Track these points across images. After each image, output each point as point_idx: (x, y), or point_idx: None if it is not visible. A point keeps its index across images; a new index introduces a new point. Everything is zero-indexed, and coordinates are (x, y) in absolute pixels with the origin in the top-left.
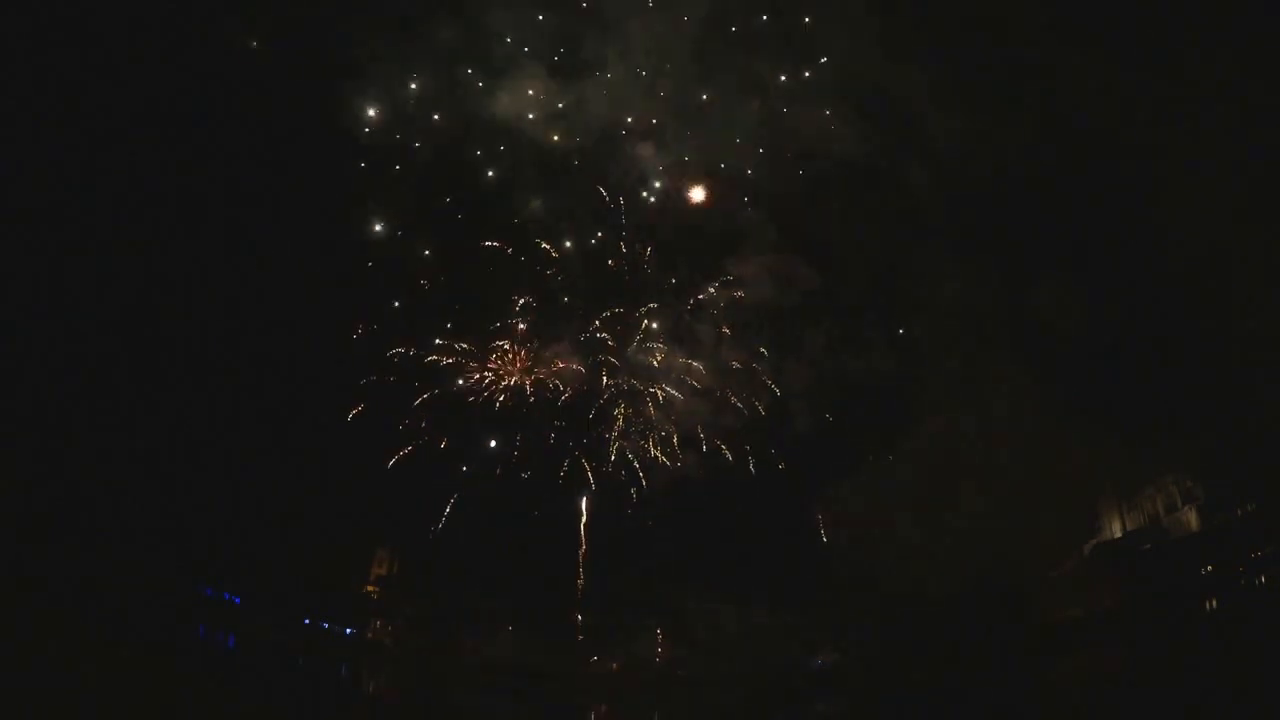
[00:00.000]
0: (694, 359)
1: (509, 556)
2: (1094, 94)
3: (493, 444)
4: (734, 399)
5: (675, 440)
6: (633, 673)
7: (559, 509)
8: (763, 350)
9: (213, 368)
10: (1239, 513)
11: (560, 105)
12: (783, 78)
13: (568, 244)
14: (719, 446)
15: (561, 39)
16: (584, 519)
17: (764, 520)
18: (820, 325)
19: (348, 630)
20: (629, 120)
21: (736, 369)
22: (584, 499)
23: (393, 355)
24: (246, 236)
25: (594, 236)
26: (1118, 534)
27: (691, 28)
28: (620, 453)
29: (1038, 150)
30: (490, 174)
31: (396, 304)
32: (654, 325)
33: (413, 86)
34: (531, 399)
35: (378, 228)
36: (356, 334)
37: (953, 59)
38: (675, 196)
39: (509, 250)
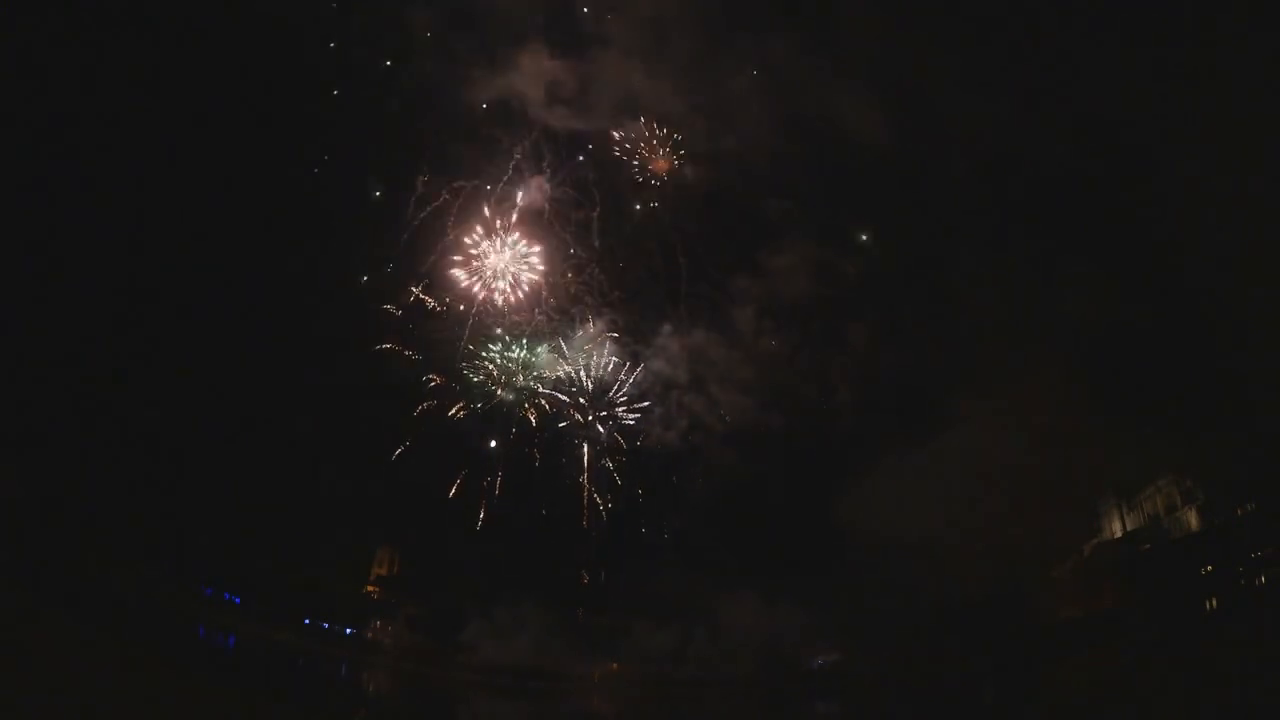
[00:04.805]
0: (715, 354)
1: (511, 556)
2: (1110, 95)
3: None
4: (753, 399)
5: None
6: (634, 673)
7: (562, 507)
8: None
9: (213, 368)
10: (1239, 513)
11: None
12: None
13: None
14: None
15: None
16: (588, 518)
17: (764, 521)
18: (834, 328)
19: (348, 630)
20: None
21: (755, 369)
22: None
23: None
24: (247, 233)
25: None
26: (1118, 534)
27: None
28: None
29: (1046, 154)
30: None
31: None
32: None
33: None
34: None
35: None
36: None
37: (985, 50)
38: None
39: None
